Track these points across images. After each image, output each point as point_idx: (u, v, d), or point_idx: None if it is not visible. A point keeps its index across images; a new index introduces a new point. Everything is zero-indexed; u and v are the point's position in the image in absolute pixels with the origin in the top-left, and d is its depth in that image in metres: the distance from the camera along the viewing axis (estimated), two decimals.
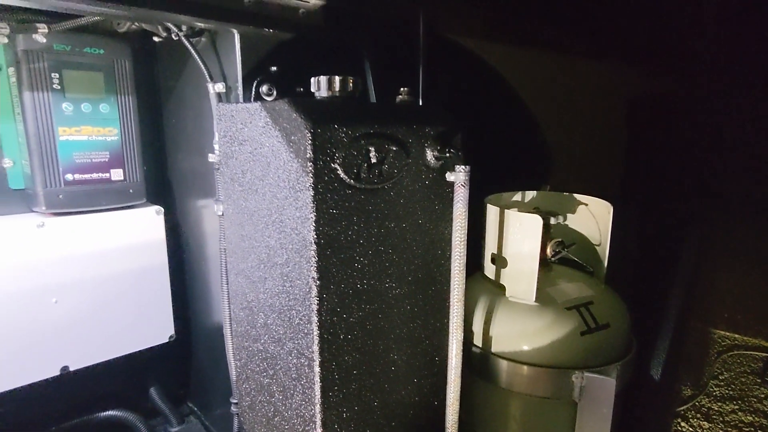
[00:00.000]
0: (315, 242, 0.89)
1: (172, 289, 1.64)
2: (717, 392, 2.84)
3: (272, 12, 1.17)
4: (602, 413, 1.24)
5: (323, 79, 1.06)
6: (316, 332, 0.93)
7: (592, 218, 1.54)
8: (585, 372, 1.26)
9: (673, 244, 1.49)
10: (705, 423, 2.51)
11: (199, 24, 1.12)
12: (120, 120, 1.43)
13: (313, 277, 0.91)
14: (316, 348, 0.94)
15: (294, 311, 0.98)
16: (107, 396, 1.64)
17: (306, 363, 0.97)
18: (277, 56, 1.22)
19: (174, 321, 1.66)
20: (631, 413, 1.30)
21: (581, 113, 2.24)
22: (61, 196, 1.35)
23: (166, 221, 1.59)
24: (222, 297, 1.29)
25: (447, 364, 1.17)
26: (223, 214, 1.23)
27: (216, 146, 1.21)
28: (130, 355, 1.56)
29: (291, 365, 1.02)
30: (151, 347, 1.60)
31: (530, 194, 1.68)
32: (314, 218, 0.89)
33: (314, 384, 0.96)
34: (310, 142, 0.86)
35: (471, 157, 1.11)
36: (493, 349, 1.35)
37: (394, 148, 0.99)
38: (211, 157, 1.22)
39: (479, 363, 1.36)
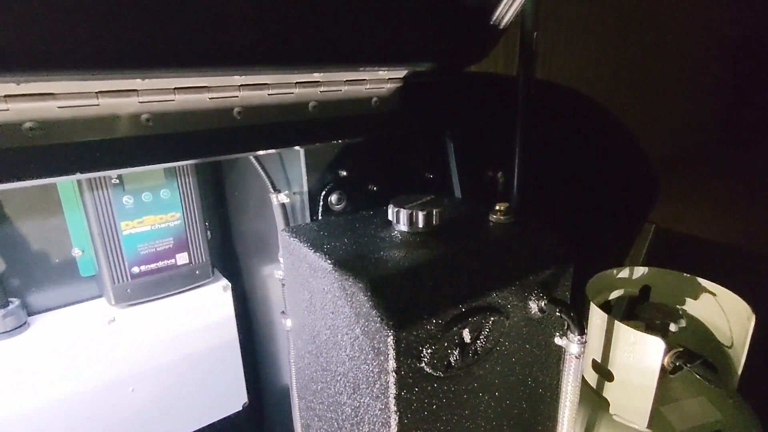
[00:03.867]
0: None
1: (242, 357, 1.60)
2: None
3: (342, 110, 0.98)
4: None
5: (403, 213, 0.88)
6: None
7: (722, 313, 1.28)
8: None
9: None
10: None
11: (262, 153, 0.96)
12: (182, 203, 1.34)
13: None
14: None
15: None
16: None
17: None
18: (347, 160, 1.04)
19: (246, 384, 1.64)
20: None
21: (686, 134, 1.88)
22: (129, 290, 1.30)
23: (234, 288, 1.53)
24: (293, 411, 1.22)
25: None
26: (291, 329, 1.12)
27: (282, 261, 1.08)
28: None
29: None
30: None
31: (639, 270, 1.43)
32: (396, 425, 0.74)
33: None
34: (393, 348, 0.70)
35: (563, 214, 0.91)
36: None
37: (492, 318, 0.81)
38: (278, 275, 1.09)
39: None
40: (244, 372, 1.62)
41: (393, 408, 0.73)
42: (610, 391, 1.21)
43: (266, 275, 1.48)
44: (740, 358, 1.21)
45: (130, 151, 0.77)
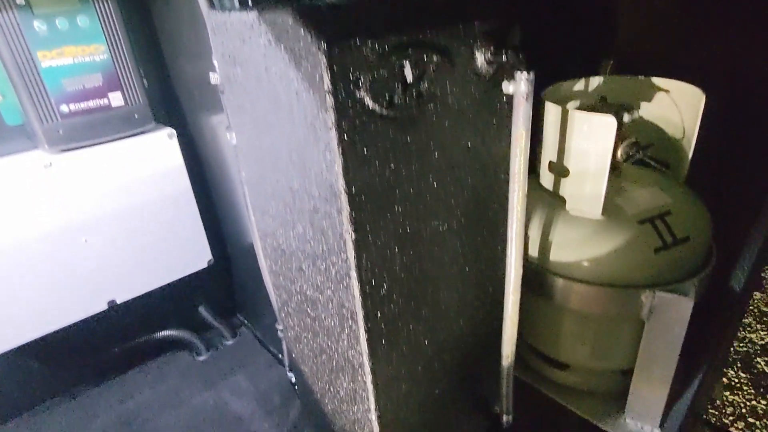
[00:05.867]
0: (345, 191, 0.74)
1: (202, 213, 1.56)
2: None
3: None
4: (674, 333, 1.13)
5: None
6: (356, 286, 0.82)
7: (674, 107, 1.28)
8: (657, 291, 1.13)
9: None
10: None
11: None
12: (105, 34, 1.22)
13: (347, 230, 0.77)
14: (358, 302, 0.84)
15: (330, 262, 0.86)
16: (162, 317, 1.68)
17: (348, 315, 0.88)
18: None
19: (211, 243, 1.62)
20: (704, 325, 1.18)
21: None
22: (61, 132, 1.22)
23: (182, 141, 1.45)
24: (252, 232, 1.20)
25: (501, 291, 1.07)
26: (237, 145, 1.07)
27: (216, 63, 1.00)
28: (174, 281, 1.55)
29: (333, 312, 0.94)
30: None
31: (595, 81, 1.40)
32: (341, 163, 0.72)
33: (359, 336, 0.88)
34: (326, 66, 0.65)
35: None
36: (551, 267, 1.23)
37: (435, 59, 0.76)
38: (213, 78, 1.02)
39: (533, 279, 1.25)
40: (208, 231, 1.60)
41: (335, 143, 0.70)
42: (566, 187, 1.22)
43: (214, 123, 1.40)
44: (690, 145, 1.22)
45: None
